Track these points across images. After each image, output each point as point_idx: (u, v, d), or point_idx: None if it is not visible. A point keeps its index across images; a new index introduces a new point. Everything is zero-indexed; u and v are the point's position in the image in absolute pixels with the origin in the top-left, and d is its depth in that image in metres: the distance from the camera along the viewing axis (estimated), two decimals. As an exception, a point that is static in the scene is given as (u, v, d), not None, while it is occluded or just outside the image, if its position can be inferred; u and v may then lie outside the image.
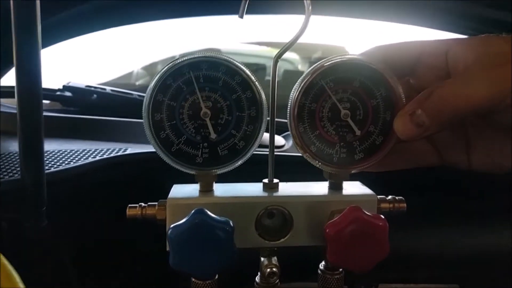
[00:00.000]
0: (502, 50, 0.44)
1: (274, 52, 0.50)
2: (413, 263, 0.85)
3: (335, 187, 0.54)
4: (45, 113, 0.57)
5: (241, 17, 0.50)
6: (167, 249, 0.45)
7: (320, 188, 0.54)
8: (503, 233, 0.85)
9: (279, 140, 0.93)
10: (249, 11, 0.50)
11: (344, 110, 0.50)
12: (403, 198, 0.54)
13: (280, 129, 0.91)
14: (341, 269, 0.54)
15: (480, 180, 0.75)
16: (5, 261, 0.38)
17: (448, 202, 0.87)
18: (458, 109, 0.43)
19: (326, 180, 0.54)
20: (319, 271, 0.55)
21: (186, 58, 0.48)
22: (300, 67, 2.03)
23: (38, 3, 0.52)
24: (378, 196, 0.53)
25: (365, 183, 0.56)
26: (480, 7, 0.88)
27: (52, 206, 0.57)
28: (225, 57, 0.49)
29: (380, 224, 0.47)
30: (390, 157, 0.52)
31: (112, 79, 1.86)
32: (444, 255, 0.85)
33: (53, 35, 1.00)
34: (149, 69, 1.93)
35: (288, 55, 1.97)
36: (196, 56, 0.48)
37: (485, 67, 0.43)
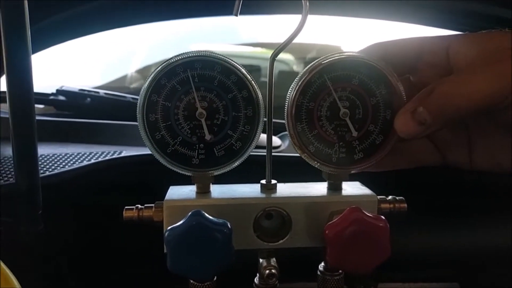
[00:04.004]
0: (503, 45, 0.43)
1: (268, 53, 0.50)
2: (413, 262, 0.84)
3: (334, 188, 0.53)
4: (39, 118, 0.57)
5: (236, 14, 0.49)
6: (165, 251, 0.45)
7: (319, 188, 0.53)
8: (503, 231, 0.84)
9: (275, 140, 0.92)
10: (245, 11, 0.49)
11: (343, 109, 0.49)
12: (403, 198, 0.53)
13: (275, 130, 0.91)
14: (340, 270, 0.53)
15: (480, 178, 0.74)
16: (3, 265, 0.37)
17: (448, 201, 0.86)
18: (460, 106, 0.42)
19: (325, 181, 0.54)
20: (318, 273, 0.54)
21: (180, 57, 0.47)
22: (295, 68, 2.02)
23: (26, 7, 0.51)
24: (378, 197, 0.52)
25: (365, 183, 0.55)
26: (480, 4, 0.87)
27: (47, 210, 0.57)
28: (220, 56, 0.48)
29: (381, 225, 0.46)
30: (391, 156, 0.51)
31: (106, 82, 1.86)
32: (445, 254, 0.85)
33: (47, 39, 0.99)
34: (143, 72, 1.93)
35: (283, 55, 1.97)
36: (190, 55, 0.47)
37: (487, 63, 0.43)
